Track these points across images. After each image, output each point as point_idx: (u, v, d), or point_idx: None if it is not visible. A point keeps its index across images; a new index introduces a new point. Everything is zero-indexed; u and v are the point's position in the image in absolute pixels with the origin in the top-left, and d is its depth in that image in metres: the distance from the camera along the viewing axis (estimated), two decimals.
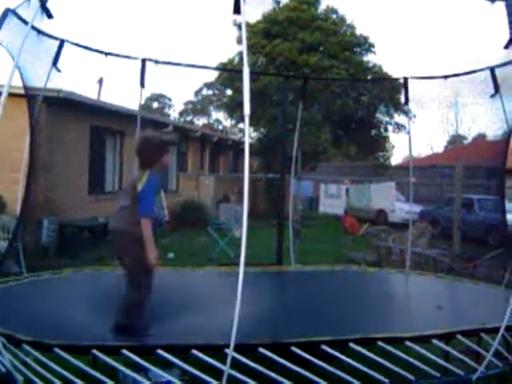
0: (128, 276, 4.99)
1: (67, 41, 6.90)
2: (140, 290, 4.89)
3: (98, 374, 4.09)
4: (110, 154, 16.91)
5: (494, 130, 7.33)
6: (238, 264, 3.83)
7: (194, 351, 4.15)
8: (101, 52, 7.53)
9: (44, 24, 5.98)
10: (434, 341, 4.80)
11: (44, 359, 4.16)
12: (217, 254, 12.70)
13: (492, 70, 7.16)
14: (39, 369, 4.15)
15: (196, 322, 5.27)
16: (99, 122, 15.46)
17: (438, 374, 4.72)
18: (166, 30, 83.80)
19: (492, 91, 7.17)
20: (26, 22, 5.36)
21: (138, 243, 4.76)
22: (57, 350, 4.07)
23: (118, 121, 15.82)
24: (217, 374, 4.03)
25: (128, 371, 4.20)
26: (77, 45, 7.12)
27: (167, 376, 4.23)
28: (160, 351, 4.10)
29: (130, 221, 4.91)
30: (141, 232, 4.77)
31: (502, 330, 4.77)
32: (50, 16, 5.82)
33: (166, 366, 4.33)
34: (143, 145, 5.09)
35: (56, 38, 6.74)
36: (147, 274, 4.91)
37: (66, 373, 4.10)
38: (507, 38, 5.06)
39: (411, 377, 4.56)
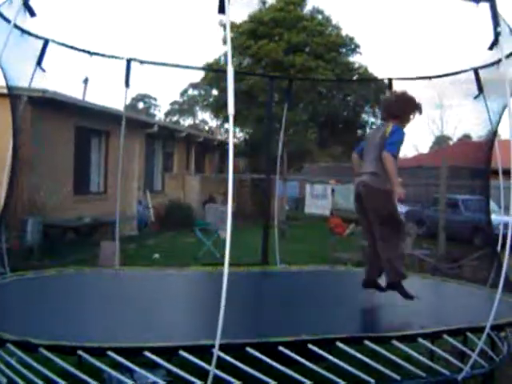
0: (384, 233, 5.55)
1: (52, 40, 6.84)
2: (398, 242, 5.62)
3: (83, 375, 4.06)
4: (95, 154, 16.84)
5: (478, 131, 7.39)
6: (223, 264, 3.82)
7: (181, 352, 4.13)
8: (86, 52, 7.47)
9: (28, 23, 5.93)
10: (420, 340, 4.81)
11: (29, 360, 4.13)
12: (202, 254, 12.69)
13: (476, 70, 7.20)
14: (23, 370, 4.12)
15: (181, 323, 5.27)
16: (84, 122, 15.39)
17: (423, 374, 4.74)
18: (152, 29, 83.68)
19: (476, 92, 7.21)
20: (8, 21, 5.32)
21: (391, 200, 5.42)
22: (42, 350, 4.03)
23: (104, 121, 15.76)
24: (203, 374, 4.02)
25: (113, 372, 4.18)
26: (61, 44, 7.06)
27: (152, 377, 4.21)
28: (146, 353, 4.08)
29: (382, 179, 5.43)
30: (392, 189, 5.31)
31: (487, 330, 4.79)
32: (32, 14, 5.76)
33: (152, 366, 4.32)
34: (401, 99, 5.67)
35: (40, 38, 6.68)
36: (400, 226, 5.62)
37: (50, 374, 4.07)
38: (492, 39, 5.08)
39: (397, 376, 4.57)
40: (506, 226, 6.39)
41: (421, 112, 5.77)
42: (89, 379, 4.06)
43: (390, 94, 6.05)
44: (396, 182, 5.29)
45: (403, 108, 5.66)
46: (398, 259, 5.70)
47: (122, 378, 4.19)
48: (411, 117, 5.72)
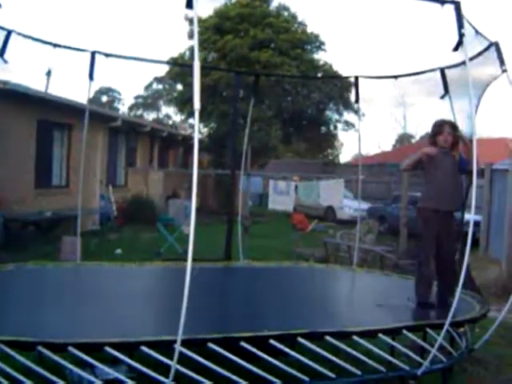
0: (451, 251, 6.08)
1: (14, 31, 6.73)
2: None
3: (43, 372, 4.02)
4: (57, 148, 16.62)
5: None
6: (185, 259, 3.81)
7: (143, 348, 4.11)
8: (49, 44, 7.37)
9: None
10: (381, 336, 4.87)
11: None
12: (165, 249, 12.64)
13: (442, 70, 7.28)
14: None
15: (143, 318, 5.25)
16: (47, 115, 15.18)
17: (384, 369, 4.80)
18: (117, 23, 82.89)
19: (442, 92, 7.30)
20: None
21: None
22: (1, 346, 3.98)
23: (66, 114, 15.56)
24: (165, 370, 4.01)
25: (74, 368, 4.14)
26: (24, 36, 6.95)
27: (114, 373, 4.18)
28: (108, 348, 4.06)
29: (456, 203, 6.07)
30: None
31: (446, 326, 4.87)
32: None
33: (113, 362, 4.29)
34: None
35: (3, 29, 6.58)
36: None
37: (11, 371, 4.02)
38: (456, 40, 5.14)
39: (358, 371, 4.62)
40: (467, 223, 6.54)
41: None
42: (50, 375, 4.02)
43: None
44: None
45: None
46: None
47: (84, 373, 4.16)
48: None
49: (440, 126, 6.05)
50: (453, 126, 6.11)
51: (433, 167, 6.01)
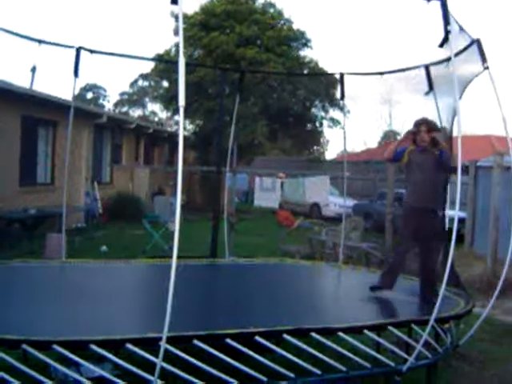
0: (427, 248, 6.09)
1: None
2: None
3: (28, 370, 4.00)
4: (42, 145, 16.51)
5: None
6: (171, 256, 3.80)
7: (128, 345, 4.10)
8: (34, 40, 7.32)
9: None
10: (366, 332, 4.88)
11: None
12: (151, 247, 12.60)
13: (427, 67, 7.31)
14: None
15: (128, 316, 5.24)
16: (31, 111, 15.06)
17: (369, 365, 4.82)
18: (102, 19, 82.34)
19: (426, 89, 7.33)
20: None
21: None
22: None
23: (51, 111, 15.46)
24: (150, 367, 4.00)
25: (59, 366, 4.12)
26: (9, 32, 6.90)
27: (99, 370, 4.17)
28: (93, 346, 4.04)
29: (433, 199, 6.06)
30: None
31: (431, 322, 4.89)
32: None
33: (99, 360, 4.28)
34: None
35: None
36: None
37: None
38: (442, 36, 5.16)
39: (343, 368, 4.63)
40: (451, 220, 6.57)
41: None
42: (34, 374, 4.00)
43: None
44: None
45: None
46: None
47: (69, 372, 4.15)
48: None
49: (417, 126, 6.19)
50: (430, 125, 6.22)
51: (410, 165, 6.19)
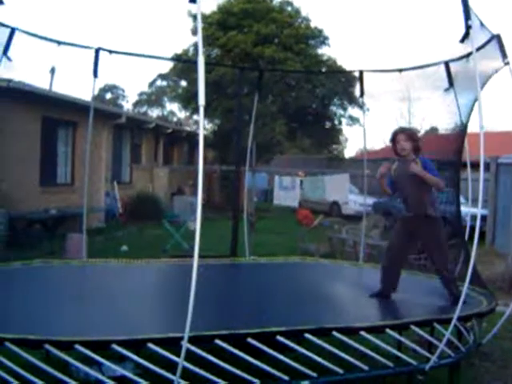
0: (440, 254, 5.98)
1: (18, 29, 6.71)
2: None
3: (50, 369, 4.02)
4: (62, 145, 16.63)
5: (447, 124, 7.44)
6: (192, 256, 3.80)
7: (150, 345, 4.10)
8: (53, 41, 7.35)
9: None
10: (388, 331, 4.85)
11: None
12: (171, 246, 12.64)
13: (446, 63, 7.25)
14: None
15: (150, 315, 5.25)
16: (51, 112, 15.18)
17: (391, 364, 4.78)
18: (121, 19, 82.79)
19: (446, 85, 7.27)
20: None
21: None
22: (8, 343, 3.98)
23: (71, 112, 15.56)
24: (172, 367, 4.00)
25: (81, 365, 4.14)
26: (28, 33, 6.94)
27: (121, 370, 4.18)
28: (114, 346, 4.05)
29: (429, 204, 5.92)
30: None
31: (454, 321, 4.85)
32: (0, 2, 5.67)
33: (120, 359, 4.29)
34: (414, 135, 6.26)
35: (6, 26, 6.56)
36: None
37: (18, 368, 4.02)
38: (462, 32, 5.11)
39: (365, 367, 4.61)
40: (473, 217, 6.50)
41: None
42: (56, 373, 4.02)
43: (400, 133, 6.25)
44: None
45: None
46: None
47: (90, 371, 4.16)
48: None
49: (394, 135, 6.18)
50: (407, 133, 6.19)
51: (397, 177, 6.19)
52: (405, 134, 6.12)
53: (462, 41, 5.34)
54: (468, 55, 6.17)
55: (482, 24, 5.47)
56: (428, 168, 5.84)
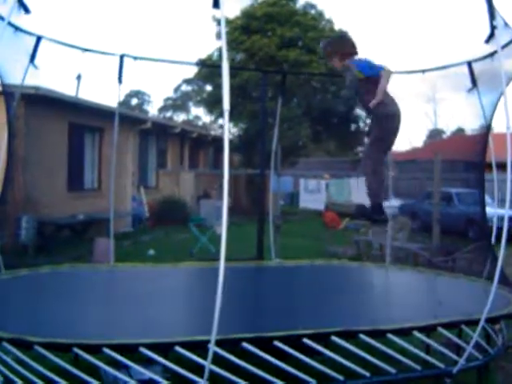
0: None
1: (44, 37, 6.80)
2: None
3: (79, 373, 4.06)
4: (88, 151, 16.80)
5: (471, 124, 7.39)
6: (218, 259, 3.82)
7: (177, 348, 4.13)
8: (78, 48, 7.43)
9: (21, 19, 5.91)
10: (415, 333, 4.82)
11: (24, 358, 4.12)
12: (198, 250, 12.69)
13: (469, 64, 7.20)
14: (19, 368, 4.12)
15: (177, 319, 5.28)
16: (77, 118, 15.35)
17: (418, 367, 4.75)
18: (145, 25, 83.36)
19: (469, 85, 7.21)
20: (2, 18, 5.30)
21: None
22: (37, 347, 4.03)
23: (97, 117, 15.72)
24: (199, 370, 4.02)
25: (109, 369, 4.18)
26: (54, 41, 7.02)
27: (149, 373, 4.21)
28: (142, 349, 4.08)
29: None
30: None
31: (481, 322, 4.80)
32: (27, 11, 5.75)
33: (148, 363, 4.32)
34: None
35: (33, 34, 6.65)
36: None
37: (46, 371, 4.07)
38: (487, 32, 5.08)
39: (392, 370, 4.59)
40: (500, 218, 6.44)
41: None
42: (85, 376, 4.06)
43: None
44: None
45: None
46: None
47: (119, 374, 4.20)
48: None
49: (325, 52, 6.02)
50: (327, 50, 5.95)
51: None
52: (326, 52, 5.92)
53: (487, 41, 5.30)
54: (492, 54, 6.12)
55: (505, 23, 5.42)
56: (363, 69, 5.52)
